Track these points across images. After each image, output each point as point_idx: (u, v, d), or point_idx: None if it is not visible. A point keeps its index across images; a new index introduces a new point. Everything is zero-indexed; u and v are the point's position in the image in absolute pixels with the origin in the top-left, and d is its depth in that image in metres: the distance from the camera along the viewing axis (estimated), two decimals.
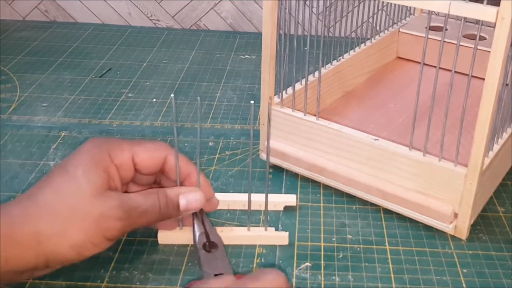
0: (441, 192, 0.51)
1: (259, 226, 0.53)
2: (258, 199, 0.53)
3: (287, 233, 0.51)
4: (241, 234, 0.51)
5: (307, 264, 0.49)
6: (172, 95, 0.42)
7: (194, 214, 0.49)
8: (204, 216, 0.49)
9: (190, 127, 0.69)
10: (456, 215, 0.51)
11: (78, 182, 0.42)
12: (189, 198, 0.46)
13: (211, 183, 0.51)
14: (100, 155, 0.44)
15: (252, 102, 0.44)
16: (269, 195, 0.51)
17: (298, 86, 0.60)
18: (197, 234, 0.48)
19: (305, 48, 0.56)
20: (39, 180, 0.44)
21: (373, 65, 0.75)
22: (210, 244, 0.47)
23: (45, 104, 0.74)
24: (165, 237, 0.51)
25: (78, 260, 0.42)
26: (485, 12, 0.44)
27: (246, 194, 0.50)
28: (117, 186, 0.44)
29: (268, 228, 0.51)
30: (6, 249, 0.39)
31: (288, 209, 0.55)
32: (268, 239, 0.51)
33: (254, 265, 0.49)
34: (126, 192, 0.47)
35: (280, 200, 0.55)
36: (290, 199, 0.55)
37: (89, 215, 0.41)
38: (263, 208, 0.52)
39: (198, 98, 0.43)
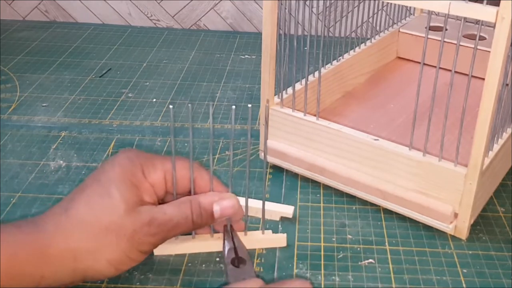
0: (441, 192, 0.51)
1: (256, 230, 0.52)
2: (255, 205, 0.52)
3: (285, 235, 0.51)
4: None
5: (371, 260, 0.49)
6: (170, 106, 0.42)
7: (224, 228, 0.49)
8: (234, 231, 0.49)
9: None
10: (456, 215, 0.51)
11: (111, 198, 0.41)
12: (222, 205, 0.46)
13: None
14: (133, 170, 0.43)
15: (249, 105, 0.44)
16: (267, 203, 0.51)
17: (298, 86, 0.60)
18: (226, 248, 0.48)
19: (305, 48, 0.56)
20: (71, 192, 0.43)
21: (373, 65, 0.75)
22: (239, 260, 0.47)
23: (45, 104, 0.74)
24: (162, 248, 0.49)
25: (115, 274, 0.42)
26: (485, 12, 0.44)
27: (244, 199, 0.50)
28: (154, 201, 0.44)
29: (266, 231, 0.51)
30: (43, 266, 0.39)
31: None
32: (266, 242, 0.51)
33: (254, 265, 0.49)
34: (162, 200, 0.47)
35: (277, 210, 0.54)
36: (287, 210, 0.54)
37: (123, 232, 0.41)
38: (259, 215, 0.51)
39: (189, 105, 0.43)
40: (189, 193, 0.47)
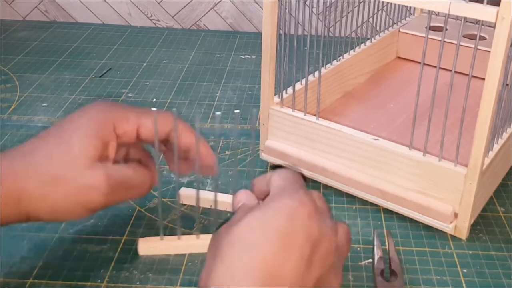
0: (441, 192, 0.51)
1: None
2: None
3: None
4: None
5: (371, 260, 0.49)
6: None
7: (375, 233, 0.49)
8: (390, 238, 0.49)
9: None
10: (456, 215, 0.51)
11: (70, 150, 0.41)
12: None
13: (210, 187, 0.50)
14: (102, 124, 0.42)
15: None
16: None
17: (298, 86, 0.60)
18: (376, 257, 0.46)
19: (305, 48, 0.56)
20: (35, 136, 0.43)
21: (373, 65, 0.75)
22: (391, 272, 0.46)
23: (45, 104, 0.74)
24: (146, 248, 0.49)
25: (55, 221, 0.42)
26: (485, 12, 0.44)
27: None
28: (111, 155, 0.43)
29: None
30: None
31: None
32: None
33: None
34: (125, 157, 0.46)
35: None
36: None
37: (73, 184, 0.41)
38: None
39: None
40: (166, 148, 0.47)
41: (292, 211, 0.34)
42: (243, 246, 0.32)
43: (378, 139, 0.54)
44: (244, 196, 0.41)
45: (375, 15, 0.73)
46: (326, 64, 0.66)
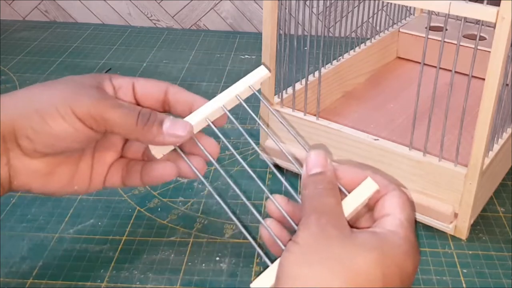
0: (441, 192, 0.51)
1: None
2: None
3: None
4: None
5: None
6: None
7: None
8: None
9: None
10: (456, 215, 0.51)
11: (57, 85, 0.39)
12: (176, 121, 0.41)
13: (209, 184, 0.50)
14: (95, 75, 0.41)
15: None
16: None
17: (298, 86, 0.60)
18: None
19: (305, 48, 0.56)
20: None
21: (373, 65, 0.75)
22: None
23: None
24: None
25: (44, 132, 0.37)
26: (485, 12, 0.44)
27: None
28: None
29: None
30: None
31: None
32: None
33: (254, 264, 0.49)
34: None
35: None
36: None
37: (63, 90, 0.38)
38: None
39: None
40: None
41: (409, 278, 0.33)
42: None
43: (378, 139, 0.54)
44: (318, 161, 0.38)
45: (375, 15, 0.73)
46: (326, 64, 0.66)
